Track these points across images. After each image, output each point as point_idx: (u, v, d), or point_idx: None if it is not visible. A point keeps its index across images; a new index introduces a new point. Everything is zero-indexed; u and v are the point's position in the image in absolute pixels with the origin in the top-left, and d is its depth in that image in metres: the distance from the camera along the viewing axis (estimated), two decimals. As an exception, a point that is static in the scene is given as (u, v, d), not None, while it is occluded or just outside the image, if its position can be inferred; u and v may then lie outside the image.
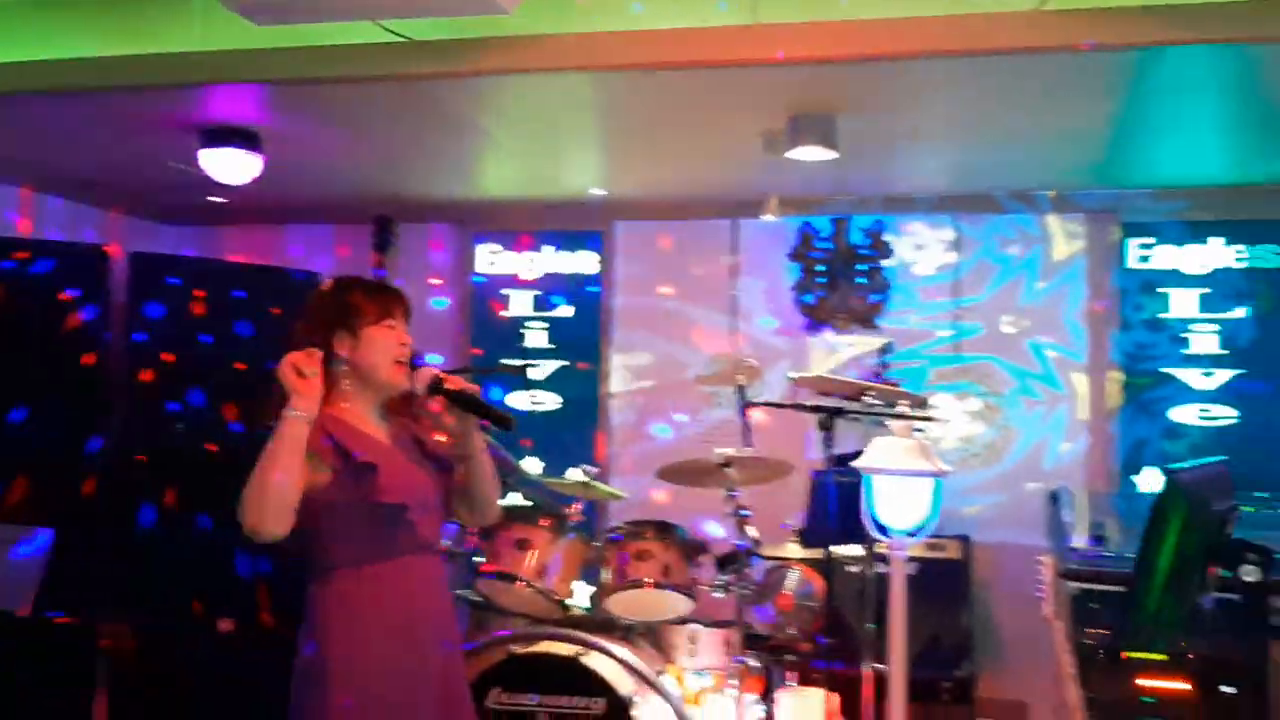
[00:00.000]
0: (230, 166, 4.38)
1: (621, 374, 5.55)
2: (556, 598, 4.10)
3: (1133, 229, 5.03)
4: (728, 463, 4.02)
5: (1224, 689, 3.99)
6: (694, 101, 4.05)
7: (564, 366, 5.55)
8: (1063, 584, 3.71)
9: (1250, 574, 2.01)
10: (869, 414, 3.81)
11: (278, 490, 2.30)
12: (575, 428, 5.52)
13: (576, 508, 4.26)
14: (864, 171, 4.72)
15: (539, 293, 5.70)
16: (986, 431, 5.09)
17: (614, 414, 5.52)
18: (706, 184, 5.28)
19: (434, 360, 4.10)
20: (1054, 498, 4.75)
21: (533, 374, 5.46)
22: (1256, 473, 4.82)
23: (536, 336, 5.67)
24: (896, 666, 3.80)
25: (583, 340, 5.59)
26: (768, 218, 4.40)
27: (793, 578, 4.17)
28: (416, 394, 2.53)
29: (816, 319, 5.33)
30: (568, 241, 5.67)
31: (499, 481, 2.72)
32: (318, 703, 2.39)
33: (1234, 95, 3.87)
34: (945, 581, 4.65)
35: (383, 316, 2.49)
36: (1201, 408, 4.92)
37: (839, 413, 3.83)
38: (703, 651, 4.24)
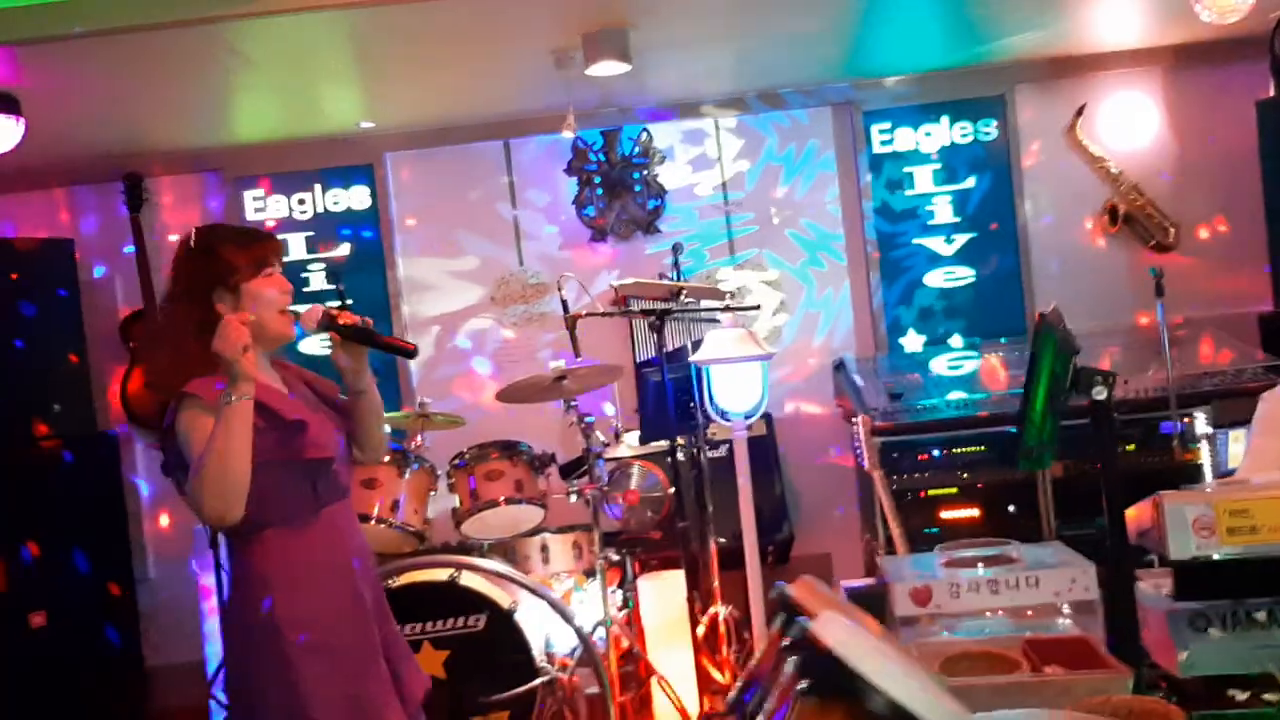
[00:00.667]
0: (-11, 133, 4.03)
1: (411, 307, 5.56)
2: (413, 529, 4.18)
3: (873, 116, 5.52)
4: (562, 375, 4.21)
5: (1009, 509, 4.65)
6: (466, 28, 4.10)
7: (348, 306, 5.46)
8: (875, 439, 4.15)
9: (1099, 393, 2.41)
10: (698, 311, 4.09)
11: (239, 478, 2.31)
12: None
13: (418, 441, 4.32)
14: (633, 81, 4.92)
15: (312, 234, 5.56)
16: (767, 316, 5.49)
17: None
18: (476, 108, 5.32)
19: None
20: (840, 366, 5.25)
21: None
22: (994, 323, 5.52)
23: (316, 279, 5.56)
24: (749, 534, 4.17)
25: (366, 278, 5.52)
26: (566, 133, 4.53)
27: (636, 473, 4.43)
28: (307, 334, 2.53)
29: (599, 229, 5.52)
30: (337, 178, 5.55)
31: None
32: (276, 657, 2.43)
33: None
34: (756, 457, 5.03)
35: (260, 267, 2.47)
36: (946, 270, 5.53)
37: (668, 313, 4.08)
38: (555, 558, 4.44)
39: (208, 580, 4.74)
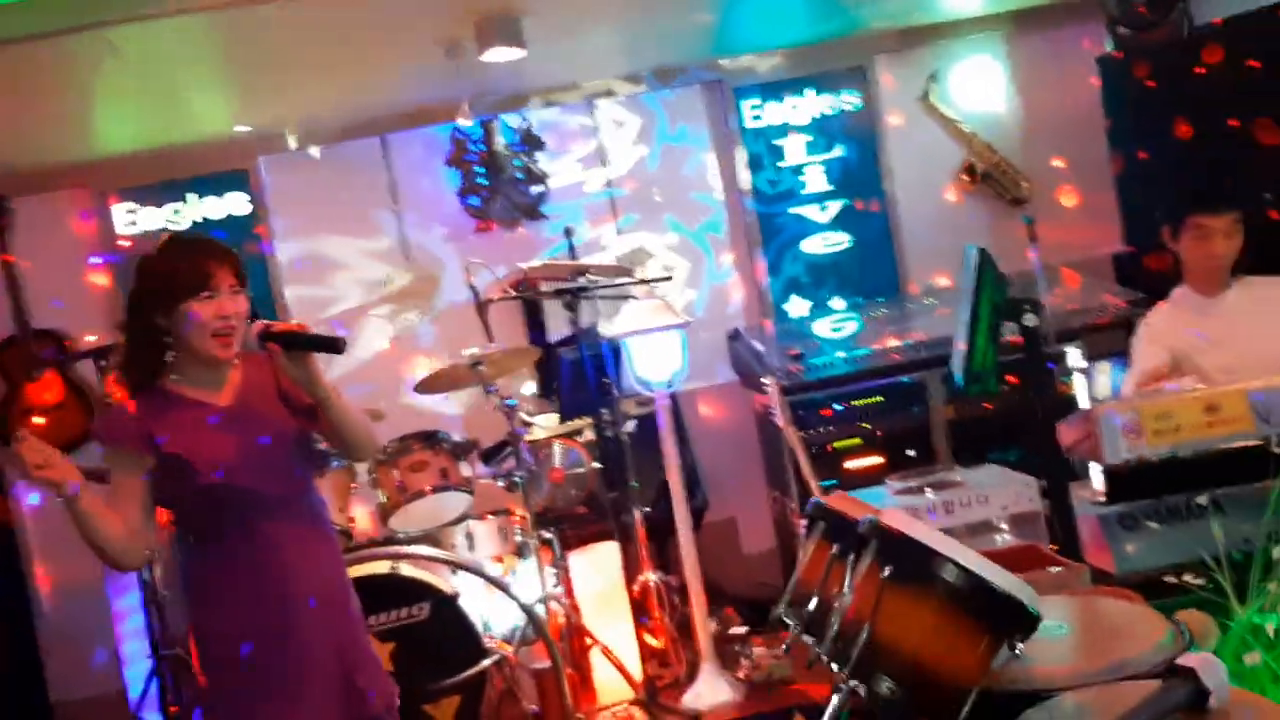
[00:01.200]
0: None
1: (302, 306, 5.47)
2: (339, 528, 4.15)
3: (743, 91, 5.71)
4: (478, 361, 4.25)
5: (908, 453, 4.90)
6: (346, 24, 4.09)
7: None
8: (785, 399, 4.33)
9: (1030, 320, 2.63)
10: (613, 287, 4.18)
11: (115, 543, 2.38)
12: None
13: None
14: (515, 68, 4.96)
15: (191, 244, 5.41)
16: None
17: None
18: (355, 106, 5.29)
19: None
20: (735, 336, 5.42)
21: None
22: (871, 284, 5.80)
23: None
24: (678, 502, 4.29)
25: (251, 284, 5.39)
26: (463, 122, 4.54)
27: (559, 451, 4.51)
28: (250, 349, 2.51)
29: (485, 219, 5.55)
30: (212, 186, 5.42)
31: (367, 419, 2.77)
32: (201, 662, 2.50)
33: None
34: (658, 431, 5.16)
35: (198, 289, 2.41)
36: (824, 236, 5.77)
37: (581, 291, 4.17)
38: (480, 544, 4.47)
39: (125, 604, 4.59)
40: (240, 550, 2.46)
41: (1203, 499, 2.53)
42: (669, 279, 4.38)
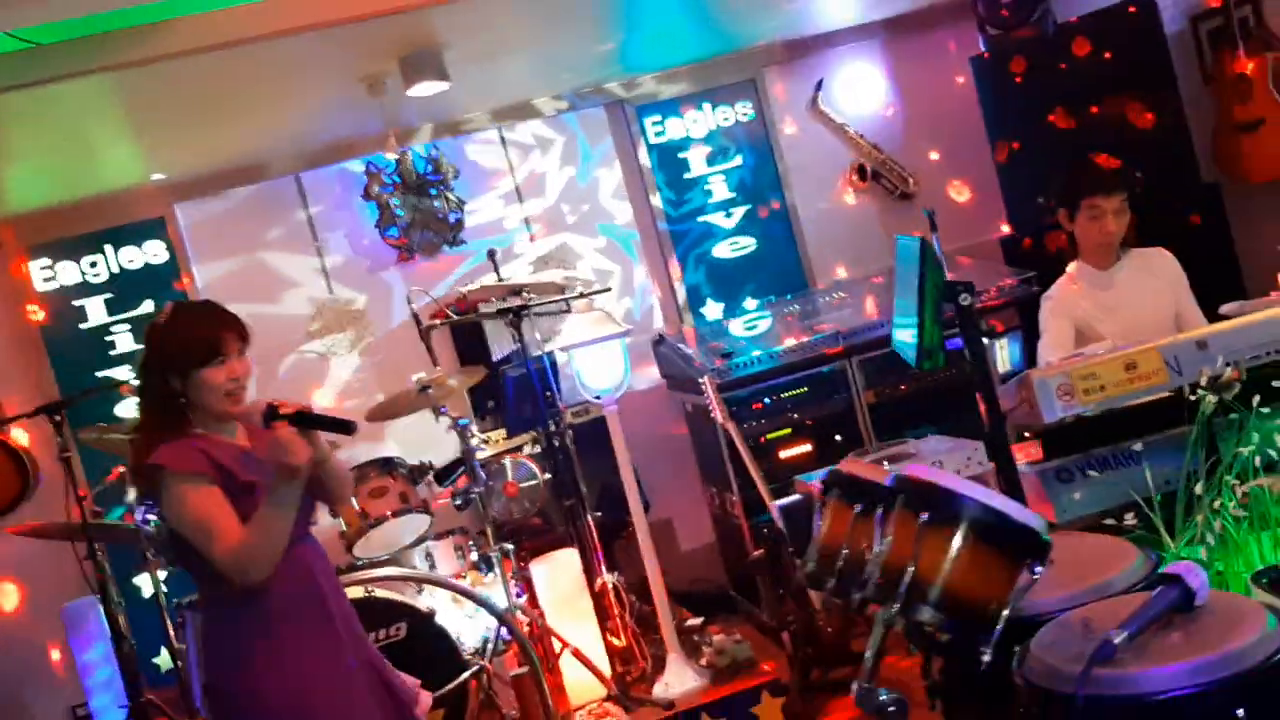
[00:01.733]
0: None
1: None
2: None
3: (645, 109, 5.97)
4: (426, 385, 4.39)
5: (836, 438, 5.20)
6: (253, 74, 4.22)
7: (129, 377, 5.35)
8: (720, 396, 4.58)
9: (965, 299, 2.92)
10: (551, 303, 4.36)
11: (279, 545, 2.55)
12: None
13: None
14: (419, 100, 5.09)
15: (110, 296, 5.41)
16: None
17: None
18: (267, 146, 5.36)
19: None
20: (660, 341, 5.66)
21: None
22: (779, 283, 6.11)
23: (123, 340, 5.41)
24: (635, 505, 4.49)
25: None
26: (390, 156, 4.66)
27: (510, 467, 4.67)
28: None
29: (405, 249, 5.68)
30: (128, 236, 5.42)
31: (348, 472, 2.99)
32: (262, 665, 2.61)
33: None
34: (598, 438, 5.32)
35: (210, 357, 2.62)
36: (731, 241, 6.06)
37: (524, 309, 4.34)
38: (440, 563, 4.62)
39: (89, 658, 4.58)
40: (292, 570, 2.63)
41: (1137, 447, 2.83)
42: (609, 290, 4.58)
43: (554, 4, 4.32)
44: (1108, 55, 5.18)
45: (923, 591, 1.64)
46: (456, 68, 4.40)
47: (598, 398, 4.33)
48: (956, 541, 1.62)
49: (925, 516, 1.65)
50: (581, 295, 4.36)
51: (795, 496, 3.78)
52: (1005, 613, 1.62)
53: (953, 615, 1.62)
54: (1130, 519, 2.87)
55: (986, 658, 1.60)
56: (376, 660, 2.81)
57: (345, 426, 2.60)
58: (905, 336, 3.01)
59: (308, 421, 2.59)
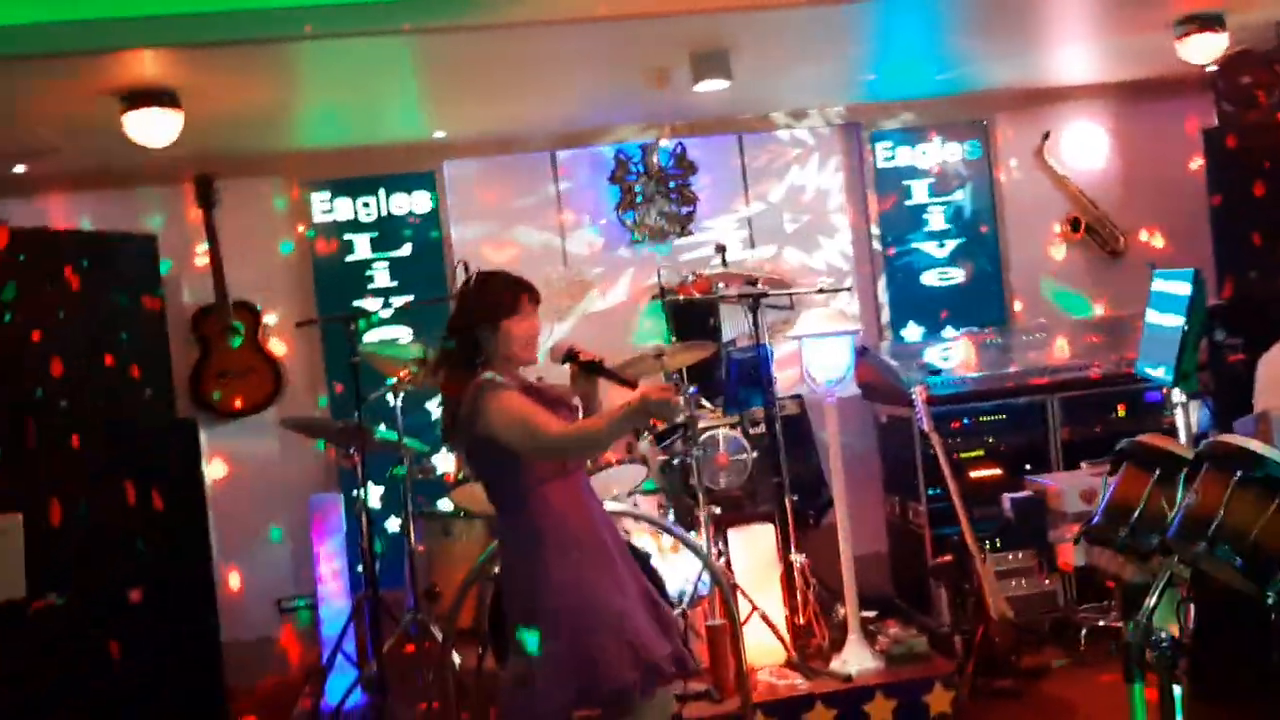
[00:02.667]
0: (153, 128, 4.39)
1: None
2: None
3: (879, 135, 6.33)
4: (660, 353, 4.82)
5: (1025, 467, 5.45)
6: (555, 54, 4.66)
7: (409, 302, 5.91)
8: (928, 407, 4.89)
9: (1219, 336, 3.21)
10: (790, 294, 4.75)
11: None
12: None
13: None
14: (675, 98, 5.50)
15: (376, 235, 5.99)
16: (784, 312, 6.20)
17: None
18: (534, 123, 5.88)
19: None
20: (864, 351, 5.98)
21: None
22: (979, 315, 6.39)
23: (381, 276, 5.98)
24: (839, 488, 4.84)
25: (426, 276, 5.97)
26: (664, 142, 5.12)
27: (725, 439, 5.06)
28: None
29: (638, 233, 6.14)
30: (402, 184, 6.00)
31: None
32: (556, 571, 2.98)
33: (936, 33, 5.13)
34: (792, 434, 5.68)
35: (514, 312, 3.08)
36: (940, 270, 6.37)
37: (764, 296, 4.74)
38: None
39: (329, 547, 5.10)
40: (573, 492, 3.05)
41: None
42: (849, 289, 4.94)
43: (839, 25, 4.68)
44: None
45: (1225, 534, 1.95)
46: (739, 70, 4.81)
47: (819, 388, 4.68)
48: (1262, 495, 1.93)
49: (1238, 475, 1.97)
50: (821, 291, 4.74)
51: (1025, 493, 4.08)
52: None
53: (1250, 558, 1.93)
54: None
55: (1271, 600, 1.91)
56: (647, 588, 3.18)
57: (627, 383, 3.03)
58: (1163, 357, 3.31)
59: (598, 370, 3.04)
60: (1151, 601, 2.10)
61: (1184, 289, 3.15)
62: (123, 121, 4.40)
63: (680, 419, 3.06)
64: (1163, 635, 2.10)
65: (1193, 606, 2.21)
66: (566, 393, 3.23)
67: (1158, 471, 2.18)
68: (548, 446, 2.92)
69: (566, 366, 3.14)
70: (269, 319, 5.90)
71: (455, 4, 4.10)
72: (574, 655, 2.91)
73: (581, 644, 2.91)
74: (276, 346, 5.90)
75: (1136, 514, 2.18)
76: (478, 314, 3.07)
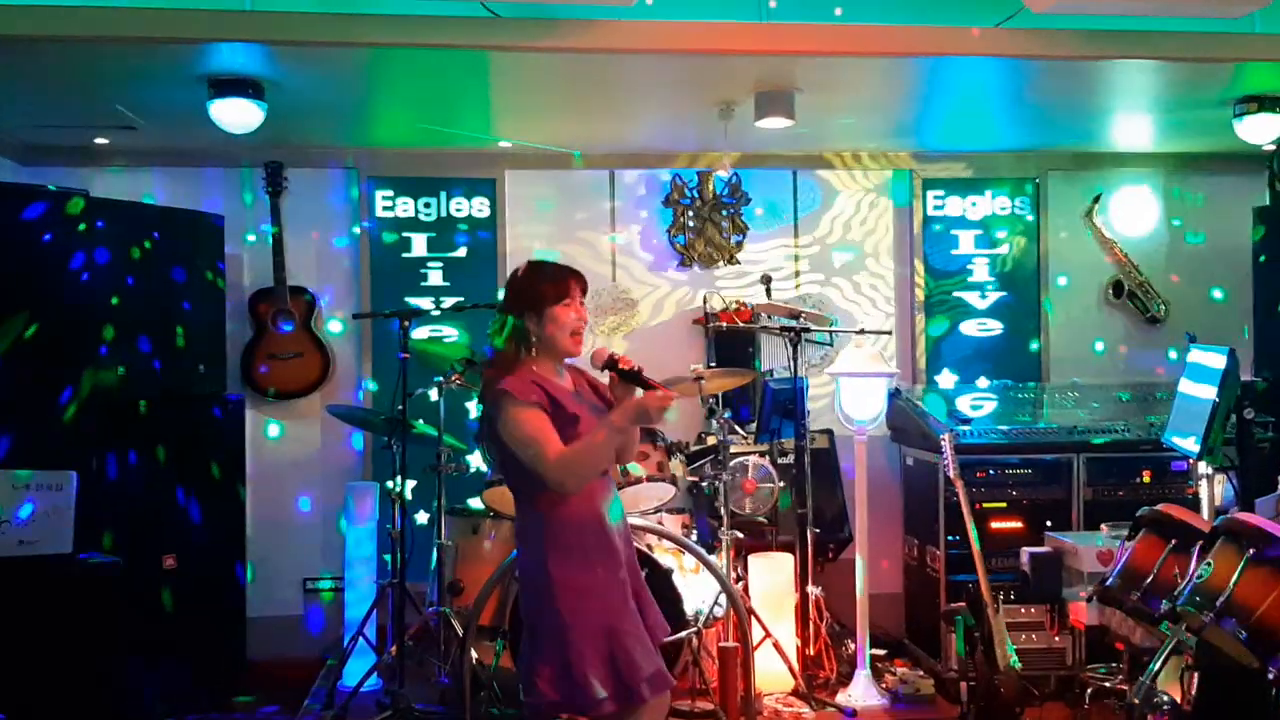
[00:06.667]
0: (238, 116, 4.58)
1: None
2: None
3: (931, 184, 6.44)
4: (699, 376, 4.94)
5: (1046, 523, 5.52)
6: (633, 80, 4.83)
7: (459, 302, 6.06)
8: (955, 454, 4.98)
9: (1249, 414, 3.29)
10: (832, 332, 4.87)
11: (596, 468, 3.07)
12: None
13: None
14: (737, 133, 5.62)
15: (433, 235, 6.16)
16: (823, 348, 6.31)
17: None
18: (601, 141, 6.03)
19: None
20: (896, 394, 6.09)
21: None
22: (1014, 369, 6.47)
23: (434, 275, 6.15)
24: (860, 526, 4.94)
25: (478, 279, 6.13)
26: (721, 173, 5.25)
27: (753, 466, 5.17)
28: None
29: (687, 257, 6.28)
30: (463, 188, 6.17)
31: None
32: (552, 590, 3.08)
33: (997, 92, 5.28)
34: (819, 467, 5.78)
35: (561, 297, 3.18)
36: (980, 322, 6.47)
37: (806, 330, 4.86)
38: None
39: (359, 533, 5.26)
40: (593, 496, 3.15)
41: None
42: (889, 334, 5.04)
43: (903, 75, 4.82)
44: None
45: (1233, 608, 2.06)
46: (801, 109, 4.94)
47: (852, 425, 4.79)
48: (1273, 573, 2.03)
49: (1252, 552, 2.07)
50: (863, 332, 4.85)
51: (1045, 549, 4.17)
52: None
53: (1253, 632, 2.03)
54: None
55: (1271, 675, 2.01)
56: (643, 592, 3.29)
57: (666, 395, 3.10)
58: (1191, 428, 3.40)
59: (636, 380, 3.12)
60: (1156, 665, 2.20)
61: (1219, 362, 3.24)
62: (209, 109, 4.57)
63: (667, 420, 3.10)
64: (1165, 699, 2.19)
65: (1196, 674, 2.31)
66: (637, 404, 3.15)
67: (1174, 541, 2.28)
68: (549, 473, 3.00)
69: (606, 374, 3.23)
70: (322, 306, 6.08)
71: (542, 27, 4.24)
72: (559, 660, 3.01)
73: (566, 653, 3.00)
74: (327, 334, 6.07)
75: (1149, 580, 2.28)
76: (527, 296, 3.15)
